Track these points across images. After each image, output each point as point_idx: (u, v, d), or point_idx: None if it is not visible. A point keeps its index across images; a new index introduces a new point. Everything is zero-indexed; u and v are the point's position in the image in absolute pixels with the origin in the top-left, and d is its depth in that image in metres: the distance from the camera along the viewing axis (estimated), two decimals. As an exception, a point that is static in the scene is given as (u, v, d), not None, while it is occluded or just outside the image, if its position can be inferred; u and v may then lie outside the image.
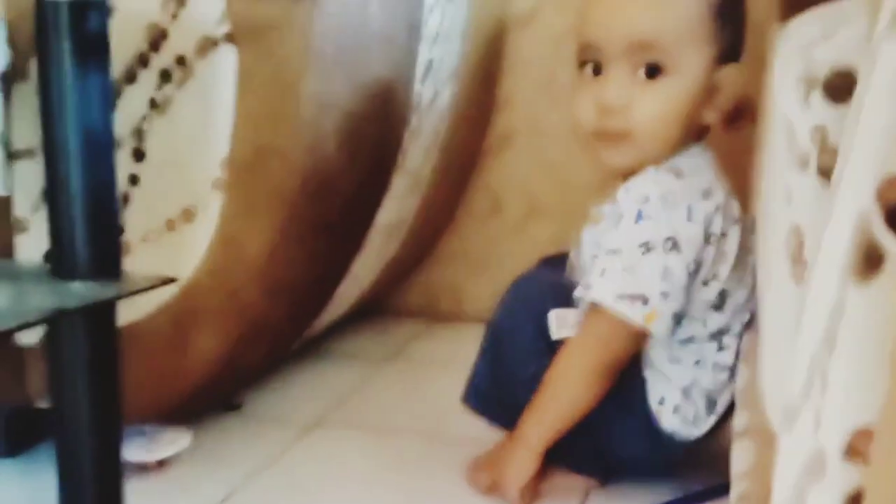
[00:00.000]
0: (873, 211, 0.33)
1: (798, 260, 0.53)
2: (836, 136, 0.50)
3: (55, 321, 0.97)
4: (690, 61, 1.18)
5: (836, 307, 0.34)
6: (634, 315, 1.14)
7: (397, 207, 1.63)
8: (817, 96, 0.51)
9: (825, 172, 0.51)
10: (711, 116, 1.21)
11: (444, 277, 2.08)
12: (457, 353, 1.41)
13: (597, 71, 1.21)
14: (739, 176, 1.24)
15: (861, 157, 0.34)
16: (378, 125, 1.40)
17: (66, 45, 0.95)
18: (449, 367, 1.41)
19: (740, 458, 0.81)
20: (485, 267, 2.03)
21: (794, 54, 0.57)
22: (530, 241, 1.98)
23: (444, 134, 1.72)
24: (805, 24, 0.77)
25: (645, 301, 1.13)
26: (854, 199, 0.34)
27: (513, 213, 2.01)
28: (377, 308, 2.05)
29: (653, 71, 1.18)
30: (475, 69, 1.80)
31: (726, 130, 1.25)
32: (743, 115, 1.24)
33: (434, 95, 1.60)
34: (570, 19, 1.27)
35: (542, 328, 1.22)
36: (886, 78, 0.33)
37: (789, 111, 0.55)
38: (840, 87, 0.50)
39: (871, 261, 0.33)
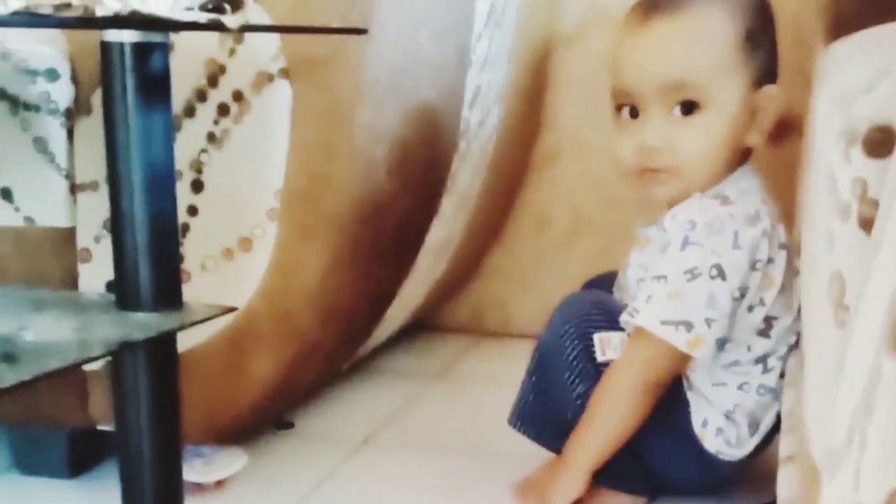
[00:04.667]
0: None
1: (840, 305, 0.55)
2: (875, 188, 0.52)
3: (120, 352, 1.00)
4: (725, 92, 1.19)
5: (872, 373, 0.36)
6: (679, 341, 1.15)
7: (446, 228, 1.65)
8: (857, 151, 0.54)
9: (865, 223, 0.53)
10: (755, 139, 1.22)
11: (491, 293, 2.10)
12: (505, 369, 1.42)
13: (633, 114, 1.23)
14: (786, 190, 1.26)
15: (896, 235, 0.36)
16: (428, 150, 1.43)
17: (130, 84, 0.97)
18: (497, 384, 1.42)
19: (786, 484, 0.83)
20: (532, 282, 2.05)
21: (835, 107, 0.59)
22: (577, 257, 2.00)
23: (492, 154, 1.75)
24: (847, 62, 0.79)
25: (689, 327, 1.15)
26: (891, 272, 0.36)
27: (559, 228, 2.03)
28: (425, 324, 2.07)
29: (688, 108, 1.19)
30: (522, 90, 1.82)
31: (772, 146, 1.26)
32: (789, 130, 1.26)
33: (482, 119, 1.62)
34: (614, 37, 1.28)
35: (589, 349, 1.23)
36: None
37: (831, 162, 0.58)
38: (879, 142, 0.52)
39: (905, 334, 0.35)
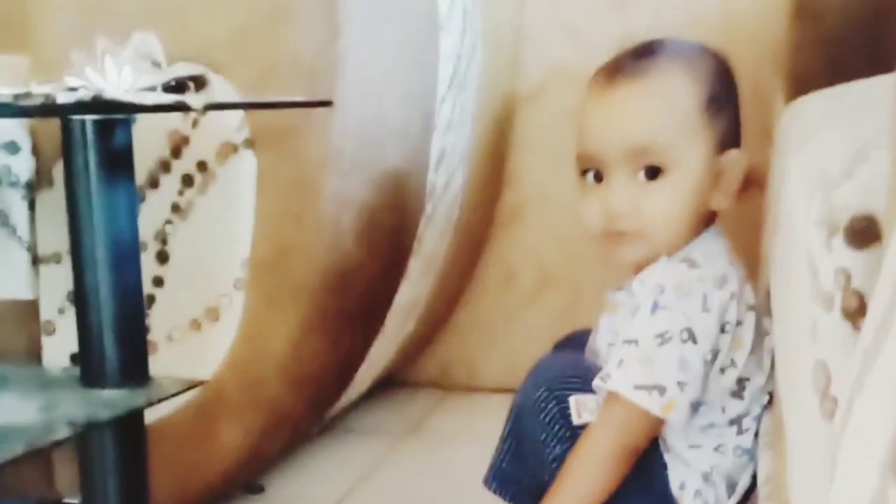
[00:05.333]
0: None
1: (826, 396, 0.54)
2: (859, 279, 0.52)
3: (86, 431, 0.98)
4: (689, 156, 1.19)
5: (877, 497, 0.35)
6: (652, 405, 1.14)
7: (413, 290, 1.65)
8: (839, 241, 0.53)
9: (850, 315, 0.52)
10: (720, 202, 1.22)
11: (458, 349, 2.09)
12: (473, 425, 1.42)
13: (598, 178, 1.23)
14: (747, 244, 1.26)
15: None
16: (394, 216, 1.42)
17: (92, 159, 0.97)
18: (468, 440, 1.41)
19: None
20: (498, 338, 2.05)
21: (812, 190, 0.59)
22: (542, 312, 1.99)
23: (458, 215, 1.74)
24: (817, 129, 0.79)
25: (662, 391, 1.14)
26: (891, 397, 0.35)
27: (525, 284, 2.03)
28: (393, 380, 2.06)
29: (653, 172, 1.19)
30: (486, 150, 1.82)
31: (733, 201, 1.26)
32: (749, 186, 1.26)
33: (448, 181, 1.62)
34: (576, 94, 1.28)
35: (565, 411, 1.22)
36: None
37: (811, 248, 0.57)
38: (861, 231, 0.52)
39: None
